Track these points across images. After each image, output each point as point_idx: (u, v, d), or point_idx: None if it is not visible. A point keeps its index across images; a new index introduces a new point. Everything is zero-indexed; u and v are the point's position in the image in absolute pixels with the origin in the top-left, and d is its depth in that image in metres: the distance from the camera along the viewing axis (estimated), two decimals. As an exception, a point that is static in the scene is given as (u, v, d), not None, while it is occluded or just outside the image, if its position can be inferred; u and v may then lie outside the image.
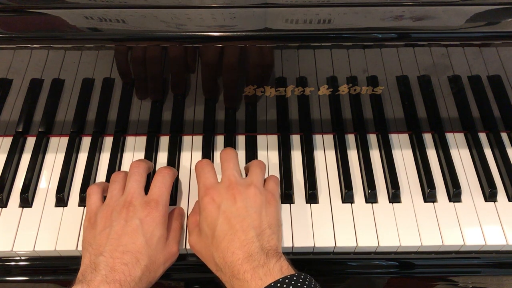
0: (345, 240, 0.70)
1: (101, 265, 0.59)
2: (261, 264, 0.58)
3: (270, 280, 0.56)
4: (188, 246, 0.68)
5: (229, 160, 0.70)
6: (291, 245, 0.69)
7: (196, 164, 0.71)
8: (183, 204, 0.74)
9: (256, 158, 0.78)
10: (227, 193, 0.65)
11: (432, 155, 0.79)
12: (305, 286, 0.56)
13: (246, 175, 0.71)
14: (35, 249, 0.69)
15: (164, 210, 0.66)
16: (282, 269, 0.58)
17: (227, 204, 0.64)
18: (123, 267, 0.59)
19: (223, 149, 0.72)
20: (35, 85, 0.72)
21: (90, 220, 0.66)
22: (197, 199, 0.69)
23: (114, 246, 0.61)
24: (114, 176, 0.70)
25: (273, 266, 0.58)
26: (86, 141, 0.80)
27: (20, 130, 0.80)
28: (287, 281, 0.56)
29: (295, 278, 0.56)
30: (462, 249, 0.71)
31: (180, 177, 0.77)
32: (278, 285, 0.55)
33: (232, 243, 0.60)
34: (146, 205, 0.65)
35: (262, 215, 0.64)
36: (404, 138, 0.81)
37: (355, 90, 0.73)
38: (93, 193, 0.69)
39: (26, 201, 0.73)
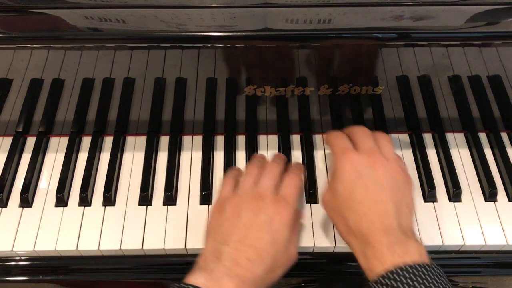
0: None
1: (225, 255, 0.58)
2: (399, 241, 0.56)
3: (407, 260, 0.54)
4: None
5: (364, 136, 0.68)
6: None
7: (327, 135, 0.70)
8: (183, 203, 0.73)
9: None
10: (368, 160, 0.63)
11: (432, 155, 0.79)
12: (443, 283, 0.54)
13: None
14: (35, 249, 0.69)
15: (293, 212, 0.64)
16: (422, 255, 0.56)
17: (367, 170, 0.62)
18: (247, 263, 0.57)
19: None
20: (35, 85, 0.71)
21: (219, 207, 0.65)
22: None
23: (240, 238, 0.59)
24: (249, 169, 0.70)
25: (412, 248, 0.56)
26: (86, 141, 0.80)
27: (20, 130, 0.80)
28: (423, 270, 0.53)
29: (433, 269, 0.54)
30: (462, 249, 0.71)
31: (180, 177, 0.76)
32: (421, 268, 0.53)
33: (370, 211, 0.59)
34: (276, 203, 0.63)
35: (400, 192, 0.62)
36: (404, 138, 0.81)
37: (355, 90, 0.73)
38: (228, 182, 0.69)
39: (26, 201, 0.73)
